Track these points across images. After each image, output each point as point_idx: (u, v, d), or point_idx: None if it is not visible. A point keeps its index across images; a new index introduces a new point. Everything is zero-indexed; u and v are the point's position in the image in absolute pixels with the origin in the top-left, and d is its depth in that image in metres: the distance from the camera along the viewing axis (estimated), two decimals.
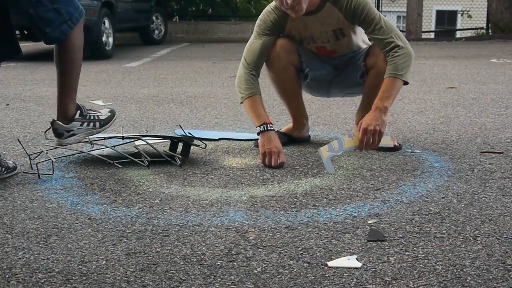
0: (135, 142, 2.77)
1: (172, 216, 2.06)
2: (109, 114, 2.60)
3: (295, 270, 1.63)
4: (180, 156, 2.60)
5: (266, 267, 1.65)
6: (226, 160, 2.80)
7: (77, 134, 2.52)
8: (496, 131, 3.33)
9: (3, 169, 2.50)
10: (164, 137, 2.89)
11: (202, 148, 2.92)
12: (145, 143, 2.77)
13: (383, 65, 2.70)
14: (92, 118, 2.54)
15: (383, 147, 2.86)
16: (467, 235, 1.86)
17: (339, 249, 1.77)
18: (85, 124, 2.52)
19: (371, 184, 2.39)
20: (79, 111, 2.51)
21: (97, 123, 2.55)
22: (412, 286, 1.53)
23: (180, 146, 2.83)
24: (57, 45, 2.42)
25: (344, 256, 1.72)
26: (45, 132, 2.70)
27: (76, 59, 2.43)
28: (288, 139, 3.08)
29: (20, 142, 2.83)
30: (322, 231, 1.91)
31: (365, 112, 2.70)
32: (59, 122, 2.48)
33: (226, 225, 1.97)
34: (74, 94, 2.49)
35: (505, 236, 1.85)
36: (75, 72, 2.46)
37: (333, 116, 3.89)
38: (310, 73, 2.93)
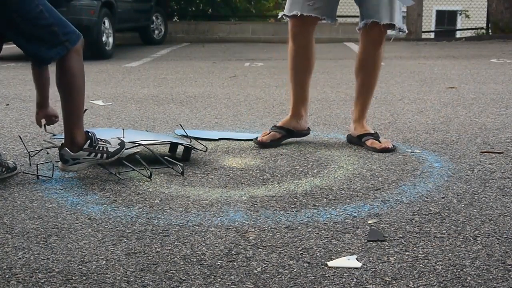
0: (137, 151, 2.73)
1: (172, 216, 2.06)
2: (118, 146, 2.56)
3: (295, 270, 1.64)
4: (181, 164, 2.59)
5: (266, 267, 1.65)
6: (226, 160, 2.80)
7: (82, 162, 2.47)
8: (496, 131, 3.33)
9: (3, 169, 2.50)
10: (165, 142, 2.87)
11: (203, 151, 2.91)
12: (147, 147, 2.75)
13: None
14: (100, 149, 2.49)
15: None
16: (467, 235, 1.86)
17: (339, 249, 1.77)
18: (93, 154, 2.47)
19: (371, 184, 2.39)
20: (89, 141, 2.46)
21: (104, 155, 2.50)
22: (412, 286, 1.53)
23: (180, 149, 2.83)
24: (57, 69, 2.40)
25: (344, 256, 1.72)
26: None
27: (77, 84, 2.40)
28: (286, 132, 3.06)
29: (21, 138, 2.83)
30: (322, 231, 1.91)
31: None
32: (66, 149, 2.43)
33: (226, 225, 1.97)
34: (80, 122, 2.45)
35: (505, 236, 1.85)
36: (78, 98, 2.42)
37: (333, 116, 3.89)
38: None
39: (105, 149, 2.50)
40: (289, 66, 3.06)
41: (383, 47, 2.94)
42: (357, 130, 3.02)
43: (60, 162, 2.48)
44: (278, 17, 3.05)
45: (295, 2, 2.90)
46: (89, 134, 2.48)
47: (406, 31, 2.92)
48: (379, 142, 2.92)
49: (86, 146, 2.45)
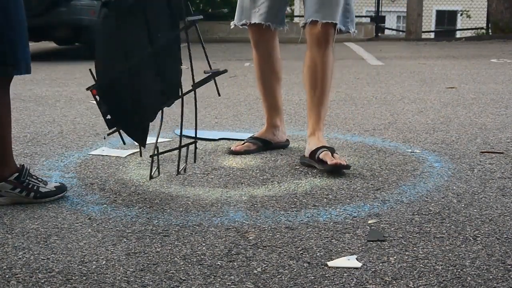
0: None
1: (172, 216, 2.06)
2: (54, 189, 2.24)
3: (295, 270, 1.64)
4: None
5: (266, 267, 1.65)
6: (226, 160, 2.80)
7: (3, 196, 2.18)
8: (496, 131, 3.33)
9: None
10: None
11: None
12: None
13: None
14: (29, 186, 2.19)
15: None
16: (467, 235, 1.86)
17: (339, 249, 1.77)
18: (18, 189, 2.18)
19: (371, 184, 2.39)
20: (16, 174, 2.18)
21: (32, 193, 2.18)
22: (412, 286, 1.53)
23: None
24: None
25: (344, 256, 1.72)
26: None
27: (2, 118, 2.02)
28: (262, 143, 2.93)
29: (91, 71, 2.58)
30: (322, 231, 1.91)
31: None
32: None
33: (226, 225, 1.97)
34: (6, 154, 2.18)
35: (505, 236, 1.85)
36: (4, 130, 2.09)
37: (333, 116, 3.89)
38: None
39: (35, 188, 2.20)
40: (256, 76, 2.98)
41: (330, 49, 2.65)
42: (311, 145, 2.67)
43: None
44: (231, 27, 2.92)
45: (243, 10, 2.83)
46: (22, 167, 2.22)
47: (352, 32, 2.68)
48: (332, 156, 2.56)
49: (11, 178, 2.17)
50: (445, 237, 1.85)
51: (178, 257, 1.72)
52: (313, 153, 2.62)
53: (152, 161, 2.33)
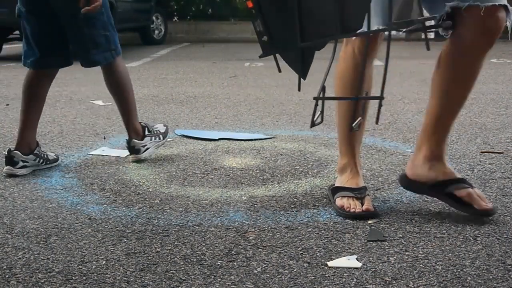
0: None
1: (172, 216, 2.06)
2: (165, 127, 2.90)
3: (295, 270, 1.64)
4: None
5: (266, 267, 1.65)
6: (226, 160, 2.80)
7: (150, 147, 2.77)
8: (496, 131, 3.33)
9: (42, 160, 2.63)
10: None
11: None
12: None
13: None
14: (156, 132, 2.83)
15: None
16: (467, 235, 1.86)
17: (339, 249, 1.77)
18: (153, 137, 2.79)
19: (371, 184, 2.39)
20: (146, 128, 2.78)
21: (161, 136, 2.83)
22: (412, 286, 1.53)
23: None
24: (106, 74, 2.64)
25: (344, 256, 1.72)
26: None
27: (126, 83, 2.68)
28: None
29: None
30: (322, 231, 1.91)
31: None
32: (135, 140, 2.72)
33: (226, 225, 1.97)
34: (136, 114, 2.76)
35: (505, 236, 1.85)
36: (129, 95, 2.70)
37: (333, 116, 3.87)
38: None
39: (158, 131, 2.83)
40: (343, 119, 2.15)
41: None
42: (435, 171, 2.03)
43: (132, 155, 2.73)
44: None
45: (379, 11, 1.93)
46: (142, 123, 2.79)
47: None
48: (478, 196, 1.96)
49: (146, 132, 2.77)
50: (445, 237, 1.85)
51: (178, 257, 1.72)
52: (445, 184, 2.02)
53: (316, 105, 1.87)
